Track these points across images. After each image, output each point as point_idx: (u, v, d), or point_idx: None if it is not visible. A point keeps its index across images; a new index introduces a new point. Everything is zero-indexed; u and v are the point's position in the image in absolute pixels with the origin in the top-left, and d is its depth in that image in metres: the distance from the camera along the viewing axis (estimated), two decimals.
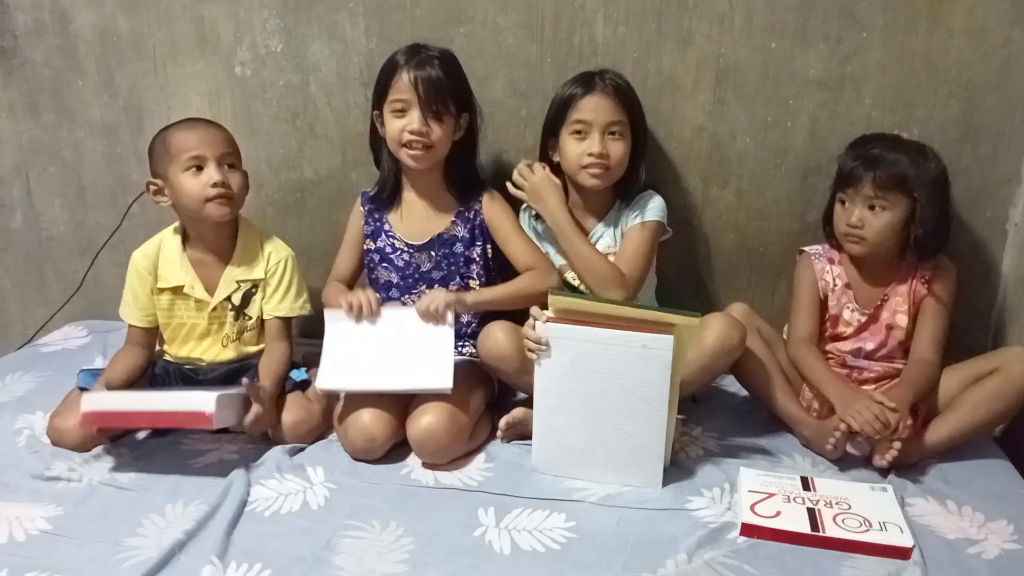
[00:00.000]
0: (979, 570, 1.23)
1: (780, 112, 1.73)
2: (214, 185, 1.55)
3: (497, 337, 1.54)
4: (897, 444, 1.43)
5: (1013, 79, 1.63)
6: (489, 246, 1.71)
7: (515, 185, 1.68)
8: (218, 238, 1.65)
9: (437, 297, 1.57)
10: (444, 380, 1.50)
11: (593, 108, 1.58)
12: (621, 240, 1.67)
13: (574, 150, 1.61)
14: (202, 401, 1.40)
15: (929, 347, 1.57)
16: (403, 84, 1.57)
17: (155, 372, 1.66)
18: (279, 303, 1.66)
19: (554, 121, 1.65)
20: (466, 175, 1.69)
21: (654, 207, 1.66)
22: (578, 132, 1.60)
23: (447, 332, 1.56)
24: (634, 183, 1.67)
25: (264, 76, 1.89)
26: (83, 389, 1.58)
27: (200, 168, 1.56)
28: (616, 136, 1.60)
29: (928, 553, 1.26)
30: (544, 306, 1.44)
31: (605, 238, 1.69)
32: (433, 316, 1.56)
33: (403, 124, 1.58)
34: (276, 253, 1.67)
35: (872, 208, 1.53)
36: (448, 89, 1.58)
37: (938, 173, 1.54)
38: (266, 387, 1.53)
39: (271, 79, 1.89)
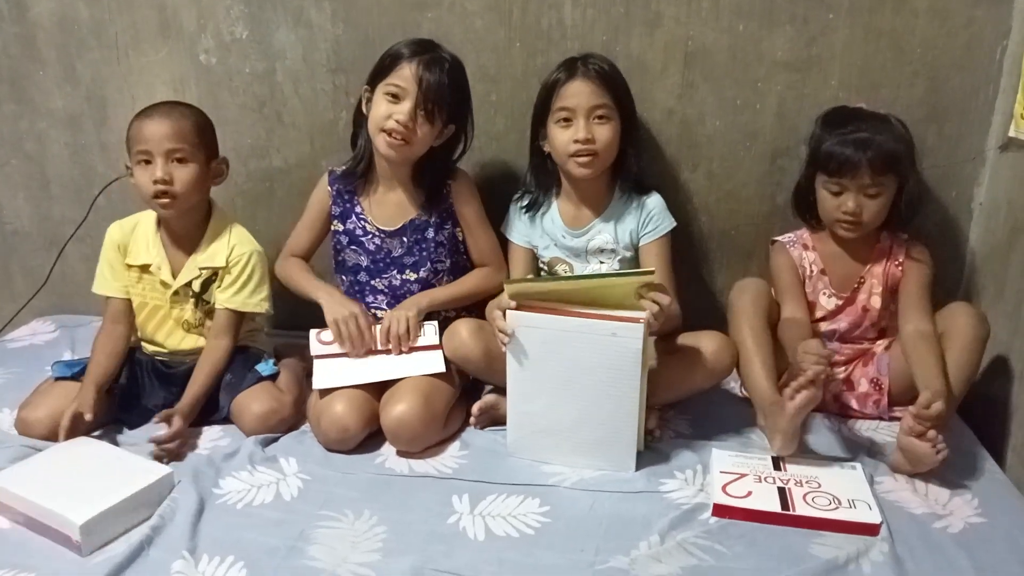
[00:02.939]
0: (945, 544, 1.26)
1: (748, 94, 1.73)
2: (155, 182, 1.53)
3: (462, 337, 1.55)
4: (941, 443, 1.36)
5: (976, 58, 1.64)
6: (458, 229, 1.71)
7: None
8: (184, 225, 1.63)
9: (396, 318, 1.59)
10: (436, 364, 1.56)
11: (575, 93, 1.56)
12: (639, 255, 1.66)
13: (561, 138, 1.58)
14: (68, 523, 1.22)
15: (924, 319, 1.54)
16: (407, 73, 1.55)
17: (135, 359, 1.66)
18: (233, 295, 1.62)
19: (541, 111, 1.62)
20: (435, 182, 1.67)
21: (663, 215, 1.65)
22: (564, 120, 1.57)
23: (428, 327, 1.62)
24: (628, 171, 1.65)
25: (230, 64, 1.86)
26: (59, 378, 1.59)
27: (148, 162, 1.55)
28: (602, 120, 1.56)
29: (895, 529, 1.28)
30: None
31: (604, 234, 1.66)
32: (400, 336, 1.58)
33: (392, 111, 1.55)
34: (241, 245, 1.64)
35: (867, 194, 1.52)
36: (447, 97, 1.57)
37: (911, 141, 1.56)
38: (182, 410, 1.50)
39: (237, 67, 1.86)
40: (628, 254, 1.67)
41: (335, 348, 1.60)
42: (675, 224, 1.67)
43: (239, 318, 1.63)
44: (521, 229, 1.71)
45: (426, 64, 1.54)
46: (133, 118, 1.59)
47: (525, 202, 1.70)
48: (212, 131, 1.64)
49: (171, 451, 1.46)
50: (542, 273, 1.72)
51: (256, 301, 1.64)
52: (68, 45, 1.90)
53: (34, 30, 1.89)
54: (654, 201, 1.66)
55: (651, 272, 1.38)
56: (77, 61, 1.91)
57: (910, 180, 1.55)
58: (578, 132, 1.56)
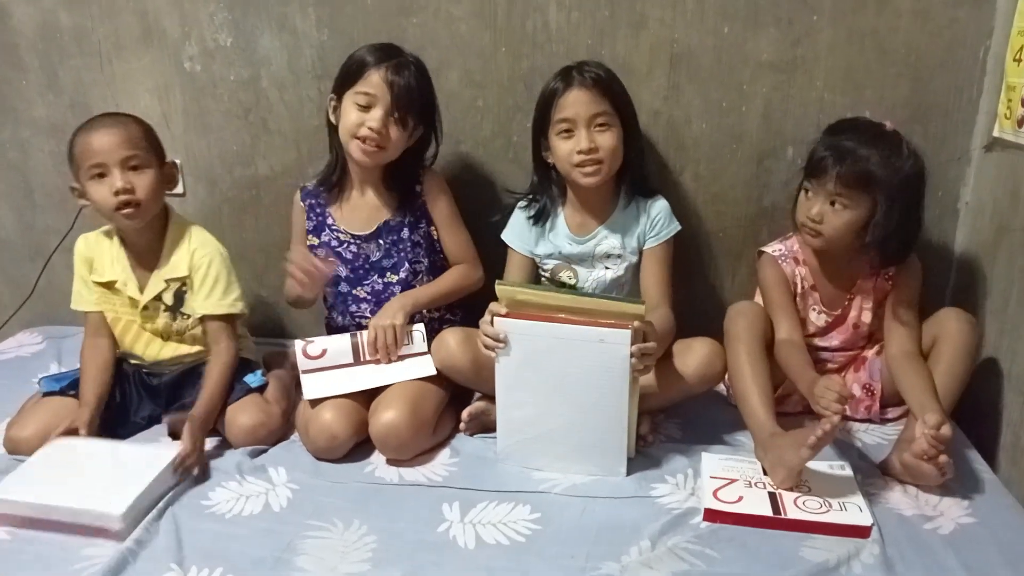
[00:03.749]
0: (935, 545, 1.26)
1: (734, 96, 1.73)
2: (116, 193, 1.48)
3: (450, 347, 1.54)
4: (943, 458, 1.34)
5: (959, 58, 1.65)
6: (432, 228, 1.71)
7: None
8: (144, 237, 1.59)
9: (382, 328, 1.58)
10: (426, 367, 1.57)
11: (573, 103, 1.54)
12: (641, 258, 1.64)
13: (563, 149, 1.56)
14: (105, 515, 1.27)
15: (909, 340, 1.53)
16: (376, 80, 1.54)
17: (121, 371, 1.64)
18: (205, 299, 1.58)
19: (540, 122, 1.60)
20: (406, 185, 1.67)
21: (668, 220, 1.64)
22: (565, 132, 1.55)
23: (416, 333, 1.61)
24: (634, 177, 1.64)
25: (214, 71, 1.85)
26: (47, 394, 1.57)
27: (103, 175, 1.49)
28: (603, 127, 1.54)
29: (886, 531, 1.28)
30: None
31: (610, 240, 1.64)
32: (388, 346, 1.58)
33: (364, 118, 1.55)
34: (201, 248, 1.59)
35: (833, 204, 1.49)
36: (418, 100, 1.57)
37: (911, 174, 1.46)
38: (195, 417, 1.45)
39: (221, 74, 1.85)
40: (635, 259, 1.66)
41: (322, 363, 1.59)
42: (680, 228, 1.66)
43: (226, 320, 1.59)
44: (524, 237, 1.69)
45: (394, 69, 1.54)
46: (74, 135, 1.53)
47: (532, 212, 1.68)
48: (156, 135, 1.59)
49: (190, 467, 1.41)
50: (543, 281, 1.71)
51: (229, 302, 1.59)
52: (50, 53, 1.88)
53: (15, 38, 1.88)
54: (659, 205, 1.65)
55: (642, 304, 1.36)
56: (60, 69, 1.90)
57: (889, 211, 1.45)
58: (580, 143, 1.53)
